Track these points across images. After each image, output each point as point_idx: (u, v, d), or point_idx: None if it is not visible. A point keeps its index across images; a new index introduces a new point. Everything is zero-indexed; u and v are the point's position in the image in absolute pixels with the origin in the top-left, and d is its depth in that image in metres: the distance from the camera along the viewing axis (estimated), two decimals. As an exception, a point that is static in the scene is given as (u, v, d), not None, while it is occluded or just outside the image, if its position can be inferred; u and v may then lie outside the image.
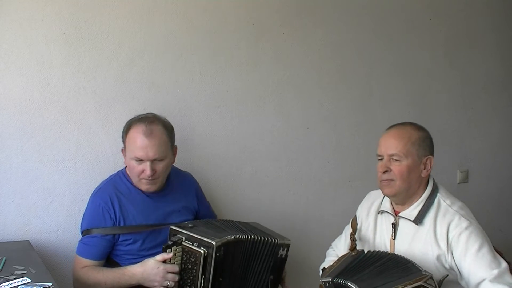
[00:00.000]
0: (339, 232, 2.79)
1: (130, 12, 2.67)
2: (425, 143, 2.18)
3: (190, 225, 2.26)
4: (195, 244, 2.17)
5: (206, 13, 2.83)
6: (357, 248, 2.22)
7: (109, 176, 2.50)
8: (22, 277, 1.97)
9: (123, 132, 2.42)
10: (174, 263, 2.19)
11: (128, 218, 2.38)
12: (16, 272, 2.02)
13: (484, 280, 2.00)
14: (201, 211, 2.61)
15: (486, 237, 2.09)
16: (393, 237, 2.20)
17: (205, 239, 2.16)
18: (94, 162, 2.63)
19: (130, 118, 2.45)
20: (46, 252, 2.48)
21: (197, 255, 2.15)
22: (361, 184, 3.29)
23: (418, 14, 3.41)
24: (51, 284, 1.91)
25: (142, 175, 2.34)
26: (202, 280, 2.16)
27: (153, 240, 2.39)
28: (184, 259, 2.20)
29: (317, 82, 3.15)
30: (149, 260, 2.22)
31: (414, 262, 2.02)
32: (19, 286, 1.89)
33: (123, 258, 2.39)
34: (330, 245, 2.61)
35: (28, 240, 2.48)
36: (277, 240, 2.36)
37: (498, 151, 3.74)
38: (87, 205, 2.44)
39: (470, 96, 3.62)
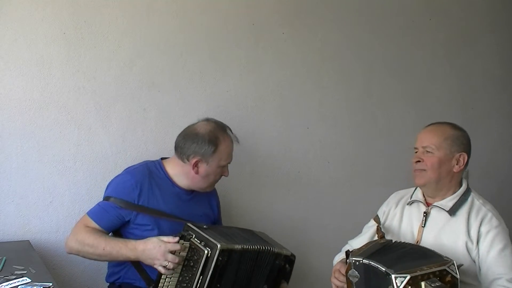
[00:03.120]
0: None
1: (130, 12, 2.66)
2: (459, 140, 2.30)
3: (205, 226, 2.24)
4: (202, 243, 2.15)
5: (206, 13, 2.83)
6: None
7: (144, 161, 2.48)
8: (22, 277, 1.97)
9: (208, 147, 2.36)
10: (179, 253, 2.17)
11: (152, 201, 2.35)
12: (16, 272, 2.02)
13: (501, 278, 2.11)
14: (217, 223, 2.61)
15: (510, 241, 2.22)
16: (423, 225, 2.29)
17: (212, 239, 2.14)
18: (94, 162, 2.63)
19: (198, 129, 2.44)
20: (46, 252, 2.48)
21: (201, 253, 2.13)
22: (361, 184, 3.30)
23: (418, 14, 3.41)
24: (51, 284, 1.91)
25: (219, 178, 2.47)
26: (199, 281, 2.14)
27: (172, 232, 2.31)
28: (189, 255, 2.17)
29: (317, 82, 3.15)
30: (153, 238, 2.19)
31: (435, 251, 2.11)
32: (19, 286, 1.89)
33: None
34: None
35: (28, 240, 2.48)
36: (274, 249, 2.34)
37: (498, 151, 3.74)
38: (117, 176, 2.41)
39: (469, 96, 3.62)
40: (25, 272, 2.03)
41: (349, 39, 3.21)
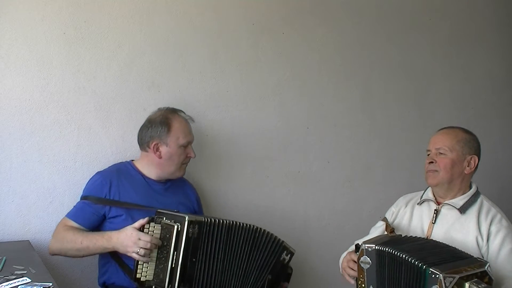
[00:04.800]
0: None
1: (130, 12, 2.67)
2: (470, 143, 2.37)
3: (175, 211, 2.30)
4: (172, 221, 2.22)
5: (206, 13, 2.83)
6: None
7: (113, 164, 2.57)
8: (22, 277, 1.96)
9: (162, 128, 2.46)
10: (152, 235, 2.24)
11: (124, 195, 2.42)
12: (16, 272, 2.01)
13: None
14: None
15: None
16: (433, 221, 2.35)
17: (180, 214, 2.22)
18: (94, 162, 2.63)
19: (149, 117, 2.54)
20: (46, 252, 2.48)
21: (171, 229, 2.20)
22: (361, 184, 3.30)
23: (418, 14, 3.41)
24: (51, 284, 1.91)
25: (185, 160, 2.53)
26: (174, 256, 2.19)
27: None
28: (162, 236, 2.23)
29: (317, 82, 3.15)
30: (127, 227, 2.25)
31: (449, 245, 2.15)
32: (19, 286, 1.89)
33: None
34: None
35: (28, 240, 2.48)
36: (282, 241, 2.42)
37: (498, 151, 3.74)
38: (87, 181, 2.49)
39: (470, 96, 3.62)
40: (25, 272, 2.02)
41: (349, 39, 3.21)
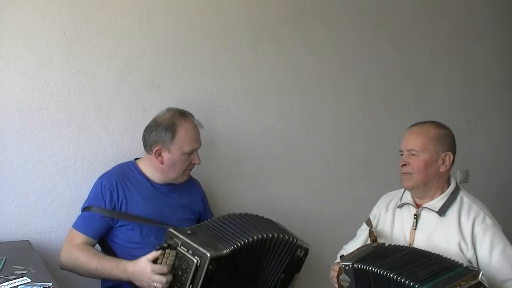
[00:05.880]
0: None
1: (130, 12, 2.67)
2: (444, 140, 2.26)
3: (189, 232, 2.16)
4: (189, 251, 2.09)
5: (206, 13, 2.83)
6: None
7: (117, 164, 2.52)
8: (22, 277, 1.97)
9: (166, 134, 2.36)
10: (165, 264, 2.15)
11: (132, 203, 2.37)
12: (16, 272, 2.01)
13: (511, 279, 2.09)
14: (204, 216, 2.59)
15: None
16: (414, 227, 2.26)
17: (200, 248, 2.07)
18: (94, 162, 2.63)
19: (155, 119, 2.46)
20: (46, 252, 2.48)
21: (190, 263, 2.08)
22: (361, 184, 3.30)
23: (418, 14, 3.41)
24: (51, 284, 1.91)
25: (189, 166, 2.44)
26: None
27: (153, 232, 2.37)
28: (176, 264, 2.13)
29: (317, 82, 3.15)
30: (141, 259, 2.17)
31: (438, 254, 2.05)
32: (19, 286, 1.89)
33: (122, 247, 2.37)
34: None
35: (28, 240, 2.48)
36: (296, 240, 2.31)
37: (498, 151, 3.74)
38: (93, 186, 2.44)
39: (470, 96, 3.62)
40: (25, 272, 2.03)
41: (349, 39, 3.21)
